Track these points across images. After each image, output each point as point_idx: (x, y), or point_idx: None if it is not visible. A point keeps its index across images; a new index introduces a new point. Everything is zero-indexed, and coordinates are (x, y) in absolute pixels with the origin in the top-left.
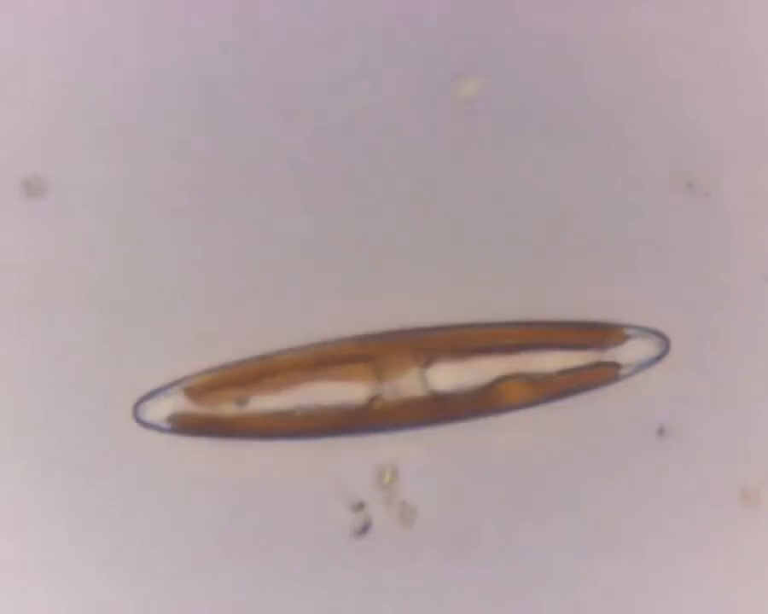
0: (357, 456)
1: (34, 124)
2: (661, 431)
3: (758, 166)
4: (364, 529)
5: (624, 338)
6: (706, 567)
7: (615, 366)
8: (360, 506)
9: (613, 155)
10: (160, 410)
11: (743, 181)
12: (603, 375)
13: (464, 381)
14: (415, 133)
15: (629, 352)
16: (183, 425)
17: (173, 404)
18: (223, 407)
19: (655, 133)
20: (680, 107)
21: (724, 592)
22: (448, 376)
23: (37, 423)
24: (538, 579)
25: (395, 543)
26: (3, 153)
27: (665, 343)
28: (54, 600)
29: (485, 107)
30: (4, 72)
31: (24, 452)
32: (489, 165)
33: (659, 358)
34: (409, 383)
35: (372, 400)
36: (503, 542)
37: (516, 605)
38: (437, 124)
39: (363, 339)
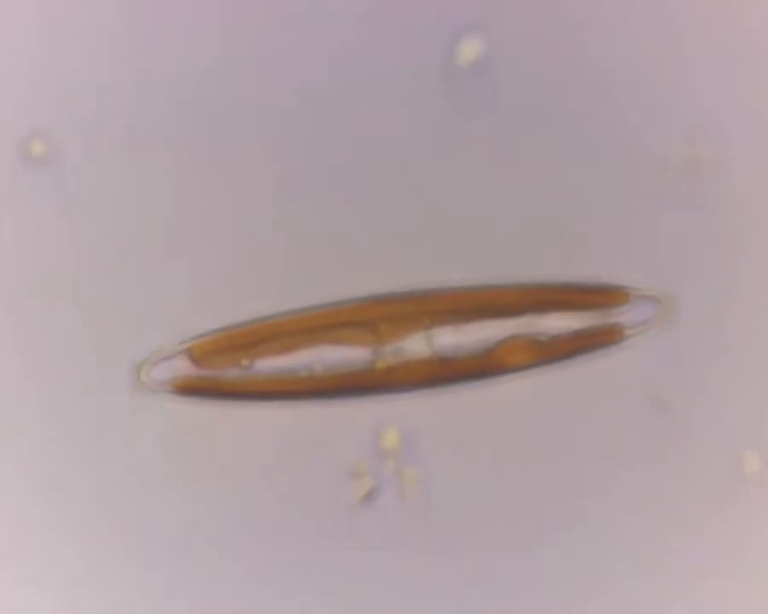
0: (360, 418)
1: (31, 114)
2: (665, 394)
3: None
4: (369, 494)
5: (628, 299)
6: (707, 539)
7: (620, 328)
8: (364, 471)
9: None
10: (162, 373)
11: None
12: (608, 337)
13: (467, 343)
14: (419, 101)
15: (633, 314)
16: (185, 388)
17: (175, 367)
18: (225, 370)
19: (661, 110)
20: (687, 91)
21: (723, 566)
22: (451, 338)
23: (38, 385)
24: (537, 544)
25: (399, 507)
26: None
27: (670, 304)
28: (58, 574)
29: (487, 79)
30: (3, 70)
31: (24, 414)
32: (489, 126)
33: (663, 320)
34: (412, 345)
35: (375, 362)
36: (505, 504)
37: (518, 573)
38: (438, 93)
39: (366, 302)
